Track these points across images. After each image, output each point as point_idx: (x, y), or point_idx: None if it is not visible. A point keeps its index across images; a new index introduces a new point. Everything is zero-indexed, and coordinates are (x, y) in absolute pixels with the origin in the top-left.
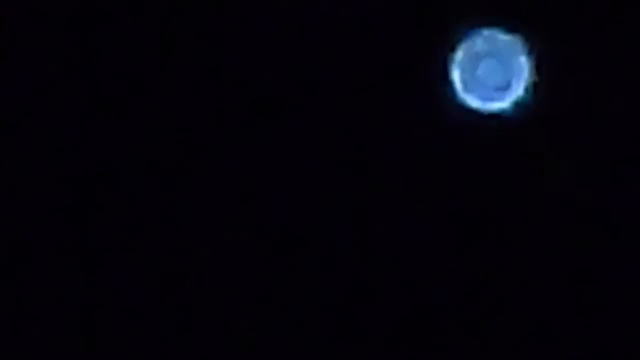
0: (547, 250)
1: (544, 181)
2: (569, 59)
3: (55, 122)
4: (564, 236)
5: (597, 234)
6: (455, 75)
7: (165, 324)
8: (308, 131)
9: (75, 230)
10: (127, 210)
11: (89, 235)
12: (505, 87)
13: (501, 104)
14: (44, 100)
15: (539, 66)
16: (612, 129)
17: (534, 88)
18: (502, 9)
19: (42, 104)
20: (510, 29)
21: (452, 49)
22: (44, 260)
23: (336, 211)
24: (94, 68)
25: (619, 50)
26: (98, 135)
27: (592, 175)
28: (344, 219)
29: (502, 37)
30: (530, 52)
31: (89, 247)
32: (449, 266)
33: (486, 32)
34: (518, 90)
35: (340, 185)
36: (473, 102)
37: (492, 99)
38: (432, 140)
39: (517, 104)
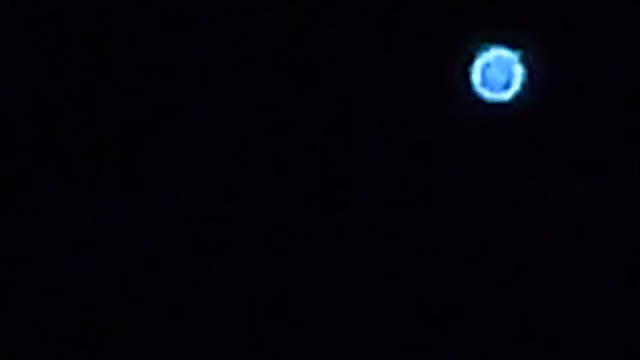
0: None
1: (542, 158)
2: (550, 67)
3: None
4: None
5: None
6: (474, 76)
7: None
8: (342, 118)
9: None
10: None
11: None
12: (507, 85)
13: (505, 97)
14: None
15: (530, 71)
16: (590, 117)
17: (527, 86)
18: (505, 34)
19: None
20: (510, 46)
21: (472, 58)
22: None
23: (360, 193)
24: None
25: (588, 58)
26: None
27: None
28: (366, 203)
29: (504, 52)
30: (523, 62)
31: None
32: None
33: (494, 48)
34: (516, 88)
35: (372, 169)
36: (486, 94)
37: (499, 93)
38: (457, 122)
39: (516, 97)
